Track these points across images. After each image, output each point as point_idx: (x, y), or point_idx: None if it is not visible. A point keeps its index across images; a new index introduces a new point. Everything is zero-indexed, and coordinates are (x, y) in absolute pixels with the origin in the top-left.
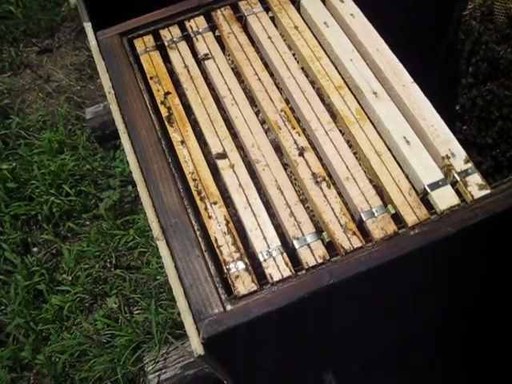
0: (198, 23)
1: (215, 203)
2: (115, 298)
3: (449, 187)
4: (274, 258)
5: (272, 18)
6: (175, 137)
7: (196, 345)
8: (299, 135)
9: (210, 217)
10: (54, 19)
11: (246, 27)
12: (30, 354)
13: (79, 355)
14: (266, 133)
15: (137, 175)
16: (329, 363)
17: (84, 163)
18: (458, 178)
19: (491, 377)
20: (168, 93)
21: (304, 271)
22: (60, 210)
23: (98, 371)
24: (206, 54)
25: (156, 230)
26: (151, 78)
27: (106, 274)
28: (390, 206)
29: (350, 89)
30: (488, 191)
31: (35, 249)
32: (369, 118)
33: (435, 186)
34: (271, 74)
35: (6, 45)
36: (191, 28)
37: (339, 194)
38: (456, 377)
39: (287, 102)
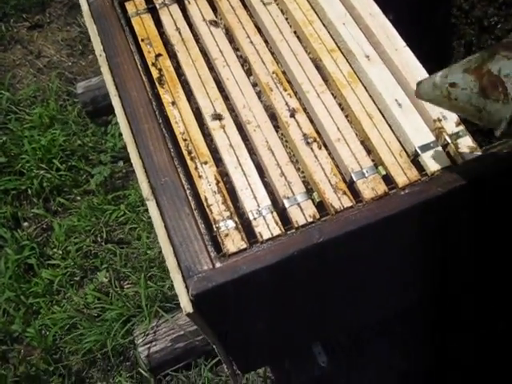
0: None
1: (205, 163)
2: (106, 272)
3: (440, 149)
4: (263, 217)
5: None
6: (166, 98)
7: (185, 302)
8: (291, 97)
9: (200, 176)
10: None
11: None
12: (20, 327)
13: (69, 328)
14: (257, 95)
15: (127, 136)
16: (318, 330)
17: (75, 138)
18: (449, 141)
19: (481, 350)
20: (159, 55)
21: (294, 230)
22: (51, 184)
23: (88, 344)
24: (214, 21)
25: (146, 190)
26: (142, 40)
27: (97, 248)
28: (380, 168)
29: (342, 52)
30: (479, 153)
31: (26, 223)
32: (361, 81)
33: (426, 148)
34: (263, 38)
35: None
36: None
37: (330, 155)
38: (447, 349)
39: (279, 64)
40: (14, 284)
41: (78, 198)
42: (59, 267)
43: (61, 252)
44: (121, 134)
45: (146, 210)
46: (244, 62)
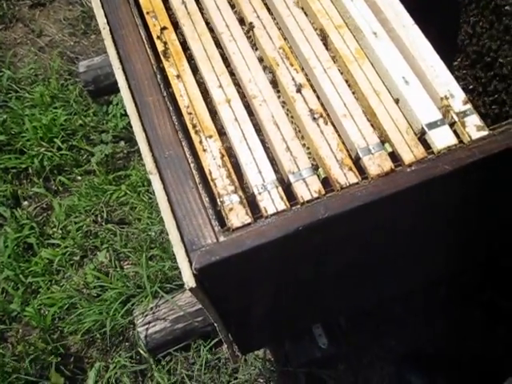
0: None
1: (210, 137)
2: (106, 252)
3: (447, 127)
4: (268, 192)
5: None
6: (171, 71)
7: (188, 277)
8: (297, 72)
9: (204, 150)
10: None
11: None
12: (18, 306)
13: (69, 308)
14: (263, 70)
15: (131, 109)
16: (321, 309)
17: (76, 118)
18: (457, 119)
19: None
20: (164, 28)
21: (299, 205)
22: (51, 163)
23: (87, 324)
24: None
25: (149, 163)
26: (147, 13)
27: (97, 228)
28: (387, 145)
29: (349, 29)
30: (486, 132)
31: (26, 202)
32: (368, 57)
33: (433, 125)
34: (270, 13)
35: None
36: None
37: (336, 130)
38: (448, 331)
39: (286, 39)
40: (13, 263)
41: (79, 177)
42: (59, 247)
43: (61, 231)
44: (122, 114)
45: (147, 191)
46: (250, 36)
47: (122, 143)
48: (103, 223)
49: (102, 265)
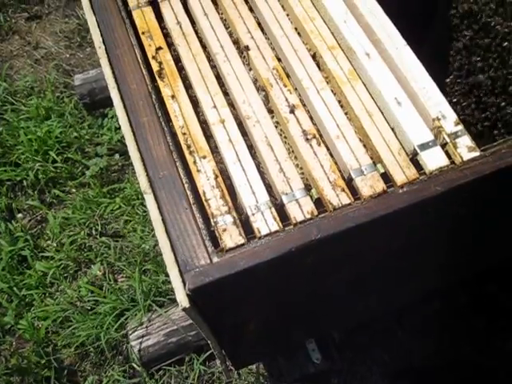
0: None
1: (204, 157)
2: (100, 265)
3: (438, 148)
4: (262, 213)
5: None
6: (166, 91)
7: (181, 297)
8: (290, 93)
9: (198, 170)
10: None
11: None
12: (12, 319)
13: (62, 321)
14: (257, 90)
15: (125, 129)
16: (314, 326)
17: (71, 131)
18: (448, 140)
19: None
20: (159, 48)
21: (292, 226)
22: (46, 176)
23: (80, 337)
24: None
25: (144, 183)
26: (143, 33)
27: (91, 241)
28: (379, 166)
29: (342, 49)
30: (477, 153)
31: (20, 215)
32: (361, 78)
33: (425, 146)
34: (264, 33)
35: None
36: None
37: (329, 151)
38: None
39: (279, 60)
40: (7, 275)
41: (74, 190)
42: (53, 259)
43: (55, 244)
44: (117, 128)
45: (142, 204)
46: (244, 57)
47: (117, 156)
48: (97, 236)
49: (96, 278)
